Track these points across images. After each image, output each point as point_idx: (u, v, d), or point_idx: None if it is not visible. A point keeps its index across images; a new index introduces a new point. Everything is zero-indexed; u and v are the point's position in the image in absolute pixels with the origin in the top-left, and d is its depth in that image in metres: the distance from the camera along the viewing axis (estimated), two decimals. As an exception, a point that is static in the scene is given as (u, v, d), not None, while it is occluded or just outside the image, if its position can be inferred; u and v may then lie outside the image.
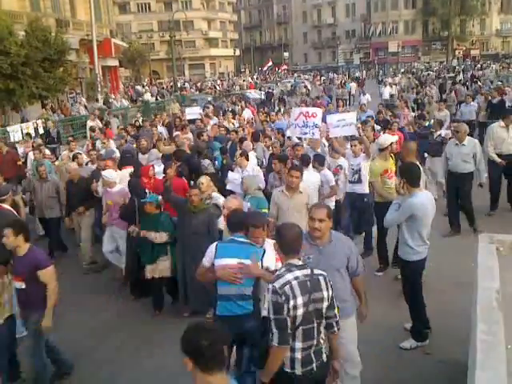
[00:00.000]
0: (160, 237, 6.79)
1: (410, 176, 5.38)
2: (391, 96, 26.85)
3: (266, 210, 7.21)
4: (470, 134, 10.41)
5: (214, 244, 4.68)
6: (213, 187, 7.39)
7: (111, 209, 8.11)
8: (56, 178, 9.99)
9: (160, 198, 7.06)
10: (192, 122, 14.84)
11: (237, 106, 20.65)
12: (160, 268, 6.92)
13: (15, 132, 16.73)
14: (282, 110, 18.61)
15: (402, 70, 58.74)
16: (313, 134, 9.58)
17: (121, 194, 8.04)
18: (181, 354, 2.60)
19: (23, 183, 10.10)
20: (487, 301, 3.81)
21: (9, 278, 5.49)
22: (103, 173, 8.38)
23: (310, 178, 7.62)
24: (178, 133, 12.55)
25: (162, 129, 14.66)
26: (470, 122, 15.33)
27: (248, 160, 8.83)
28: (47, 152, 12.27)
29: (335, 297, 3.74)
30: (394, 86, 30.23)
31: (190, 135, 12.52)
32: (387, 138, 8.02)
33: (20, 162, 12.40)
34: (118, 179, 8.26)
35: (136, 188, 7.62)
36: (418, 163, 6.42)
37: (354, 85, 37.03)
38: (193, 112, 16.16)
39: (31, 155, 11.88)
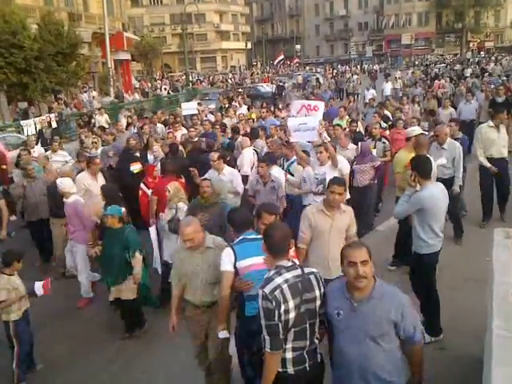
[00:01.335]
0: (138, 269, 6.17)
1: (421, 168, 5.33)
2: (395, 91, 26.32)
3: None
4: (470, 136, 9.98)
5: (227, 249, 4.47)
6: (180, 197, 6.98)
7: (68, 221, 7.56)
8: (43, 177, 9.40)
9: (123, 210, 6.36)
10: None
11: (234, 102, 20.11)
12: (126, 288, 6.26)
13: (28, 126, 16.82)
14: (281, 105, 18.19)
15: (416, 63, 58.18)
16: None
17: (72, 206, 7.37)
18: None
19: (11, 190, 9.28)
20: (503, 295, 3.77)
21: None
22: (58, 180, 7.67)
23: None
24: (170, 130, 12.40)
25: (160, 126, 14.46)
26: (471, 121, 14.28)
27: (225, 163, 8.34)
28: (36, 154, 11.50)
29: (367, 374, 3.27)
30: (398, 80, 29.30)
31: (183, 131, 12.37)
32: (414, 129, 7.97)
33: (4, 166, 11.45)
34: (73, 189, 7.57)
35: (110, 196, 6.99)
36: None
37: (355, 77, 35.62)
38: (190, 107, 15.82)
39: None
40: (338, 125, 11.00)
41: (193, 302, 4.79)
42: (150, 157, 10.36)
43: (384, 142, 10.28)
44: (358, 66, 63.86)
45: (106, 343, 6.47)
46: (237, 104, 18.66)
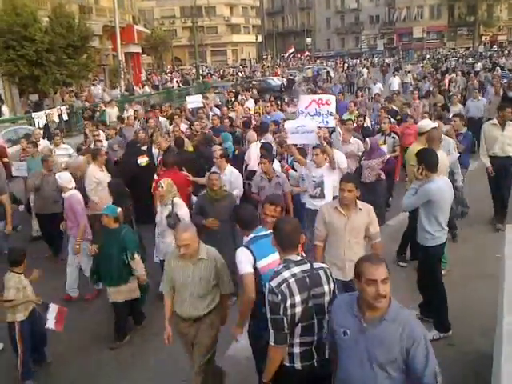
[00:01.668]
0: (140, 271, 6.12)
1: (427, 161, 5.37)
2: (405, 85, 25.90)
3: None
4: (478, 134, 9.54)
5: (242, 249, 4.23)
6: (174, 192, 6.75)
7: (66, 216, 7.49)
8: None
9: (119, 209, 6.23)
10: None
11: (241, 96, 19.88)
12: (126, 290, 6.14)
13: (40, 118, 16.89)
14: (287, 99, 17.97)
15: (428, 57, 57.67)
16: (327, 122, 8.85)
17: (68, 201, 7.32)
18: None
19: (30, 181, 9.02)
20: (514, 292, 3.76)
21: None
22: (56, 175, 7.66)
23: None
24: (176, 124, 12.29)
25: (163, 120, 14.39)
26: (479, 119, 13.69)
27: (228, 162, 8.20)
28: (41, 147, 11.08)
29: None
30: (409, 74, 29.04)
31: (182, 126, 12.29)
32: (428, 123, 7.91)
33: (6, 159, 11.19)
34: (71, 184, 7.44)
35: (117, 192, 6.95)
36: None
37: (365, 71, 35.03)
38: (194, 100, 15.72)
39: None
40: (349, 119, 10.92)
41: (179, 314, 4.59)
42: (155, 150, 10.32)
43: (394, 137, 10.16)
44: (369, 60, 63.46)
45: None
46: (244, 97, 18.57)
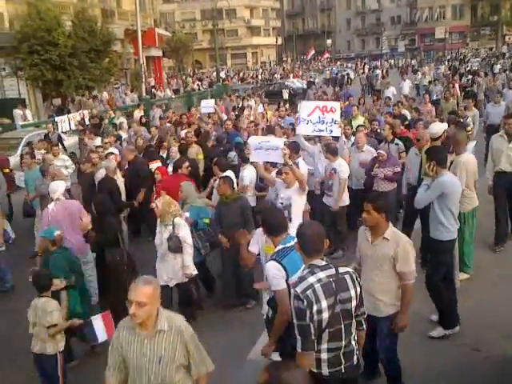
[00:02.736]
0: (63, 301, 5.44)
1: (438, 157, 5.50)
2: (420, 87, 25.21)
3: (208, 221, 6.77)
4: None
5: (274, 263, 4.05)
6: (173, 211, 6.11)
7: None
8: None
9: (57, 232, 5.77)
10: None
11: (248, 101, 19.56)
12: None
13: (63, 122, 17.11)
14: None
15: (448, 57, 56.87)
16: (330, 131, 8.52)
17: (44, 212, 7.07)
18: None
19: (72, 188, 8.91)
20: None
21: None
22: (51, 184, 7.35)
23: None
24: (188, 130, 12.08)
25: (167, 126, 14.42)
26: (499, 126, 12.00)
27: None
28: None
29: None
30: (427, 76, 28.30)
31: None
32: (440, 127, 7.74)
33: (7, 170, 10.60)
34: (56, 194, 7.03)
35: (101, 207, 6.56)
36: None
37: (379, 73, 34.50)
38: (207, 105, 15.55)
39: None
40: (362, 125, 10.54)
41: None
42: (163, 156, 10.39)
43: (397, 144, 9.23)
44: (391, 61, 62.89)
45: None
46: (252, 103, 18.40)
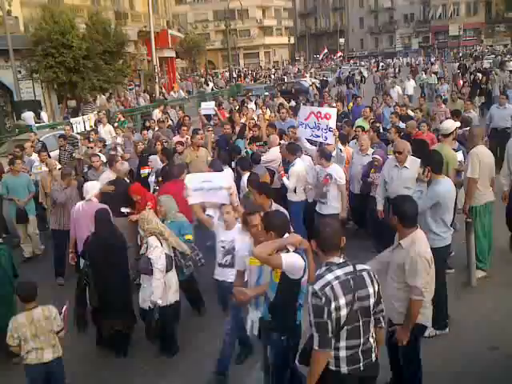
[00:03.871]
0: None
1: (433, 163, 5.47)
2: (428, 86, 24.77)
3: (190, 237, 6.30)
4: (502, 148, 8.27)
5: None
6: (150, 228, 5.68)
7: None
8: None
9: None
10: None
11: (248, 104, 18.95)
12: None
13: (78, 123, 17.25)
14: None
15: (461, 55, 56.27)
16: (325, 138, 8.42)
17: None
18: None
19: (53, 193, 8.32)
20: None
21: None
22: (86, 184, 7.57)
23: None
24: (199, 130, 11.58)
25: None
26: (504, 130, 11.81)
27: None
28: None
29: None
30: (433, 75, 27.61)
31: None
32: (452, 124, 7.64)
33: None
34: (89, 195, 7.08)
35: (100, 221, 6.06)
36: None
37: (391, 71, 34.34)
38: (208, 107, 15.31)
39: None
40: (360, 126, 10.13)
41: None
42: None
43: None
44: (404, 59, 62.47)
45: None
46: (251, 106, 18.20)
